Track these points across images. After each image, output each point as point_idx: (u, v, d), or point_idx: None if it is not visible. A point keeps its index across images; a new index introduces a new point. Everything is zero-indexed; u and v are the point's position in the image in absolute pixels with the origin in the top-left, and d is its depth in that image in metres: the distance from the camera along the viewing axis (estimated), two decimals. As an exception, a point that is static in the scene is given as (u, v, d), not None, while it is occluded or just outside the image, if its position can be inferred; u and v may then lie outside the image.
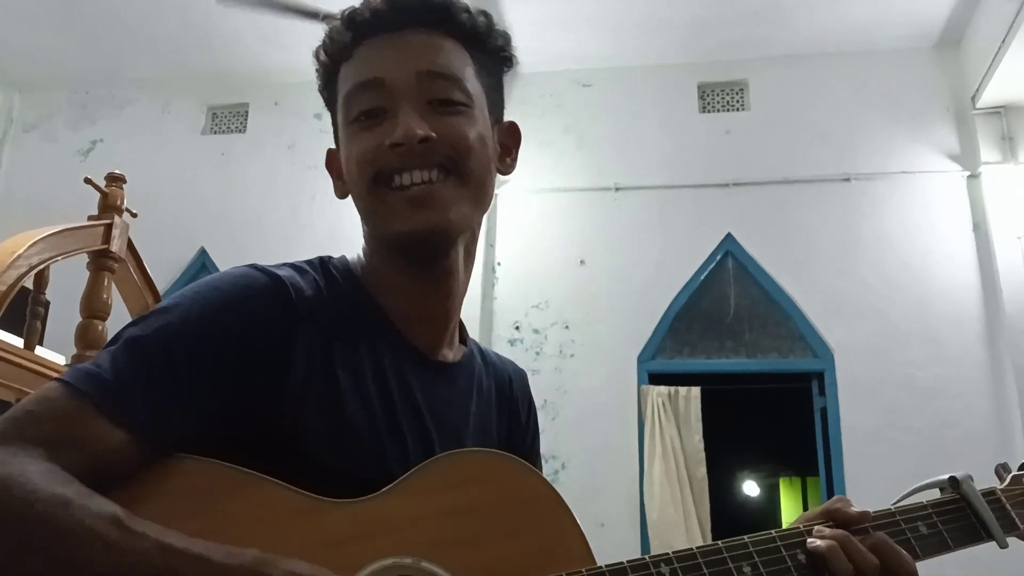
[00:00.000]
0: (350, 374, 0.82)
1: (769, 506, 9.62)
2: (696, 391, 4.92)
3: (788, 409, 5.92)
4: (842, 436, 4.77)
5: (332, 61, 0.91)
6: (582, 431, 4.86)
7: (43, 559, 0.62)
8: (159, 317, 0.77)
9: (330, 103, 0.93)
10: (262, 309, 0.79)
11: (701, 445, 4.83)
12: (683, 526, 4.59)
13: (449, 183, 0.85)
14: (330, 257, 0.91)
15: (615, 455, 4.84)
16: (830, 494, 4.80)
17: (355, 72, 0.88)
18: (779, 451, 8.46)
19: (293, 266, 0.86)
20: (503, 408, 0.99)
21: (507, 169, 0.96)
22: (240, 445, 0.75)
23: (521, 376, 1.05)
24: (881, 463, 4.47)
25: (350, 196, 0.92)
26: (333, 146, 0.95)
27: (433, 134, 0.83)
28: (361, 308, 0.87)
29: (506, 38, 0.94)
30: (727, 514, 7.94)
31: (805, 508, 8.95)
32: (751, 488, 9.69)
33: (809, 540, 0.81)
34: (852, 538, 0.81)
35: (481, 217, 0.91)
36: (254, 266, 0.83)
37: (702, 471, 4.80)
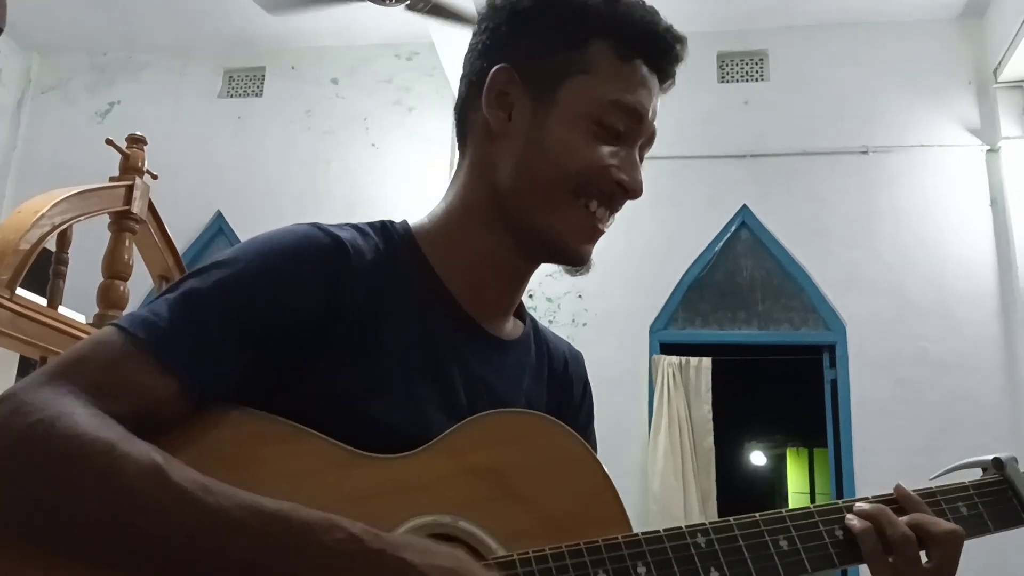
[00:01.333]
0: (400, 337, 0.82)
1: (775, 476, 9.68)
2: (707, 362, 4.94)
3: (798, 381, 5.94)
4: (852, 408, 4.79)
5: (612, 33, 0.87)
6: (594, 400, 4.87)
7: (81, 501, 0.62)
8: (219, 270, 0.77)
9: (557, 46, 0.87)
10: (321, 271, 0.79)
11: (710, 415, 4.86)
12: (683, 495, 4.63)
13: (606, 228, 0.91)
14: (392, 222, 0.91)
15: (626, 424, 4.87)
16: (838, 465, 4.83)
17: (633, 89, 0.87)
18: (787, 422, 8.49)
19: (355, 227, 0.86)
20: (554, 388, 0.99)
21: None
22: (289, 397, 0.76)
23: (577, 357, 1.05)
24: (891, 436, 4.49)
25: (486, 138, 0.88)
26: (497, 67, 0.87)
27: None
28: (421, 277, 0.87)
29: None
30: (733, 484, 7.99)
31: (811, 479, 9.01)
32: (758, 458, 9.75)
33: (848, 516, 0.81)
34: (888, 511, 0.80)
35: None
36: (316, 225, 0.83)
37: (709, 441, 4.83)
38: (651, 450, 4.76)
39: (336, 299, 0.79)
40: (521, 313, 0.98)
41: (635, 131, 0.88)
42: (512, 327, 0.95)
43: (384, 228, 0.89)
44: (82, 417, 0.65)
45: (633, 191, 0.88)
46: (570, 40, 0.87)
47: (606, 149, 0.86)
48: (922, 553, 0.79)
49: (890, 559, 0.78)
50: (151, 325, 0.72)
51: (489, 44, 0.91)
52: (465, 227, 0.89)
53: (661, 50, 0.90)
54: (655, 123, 0.91)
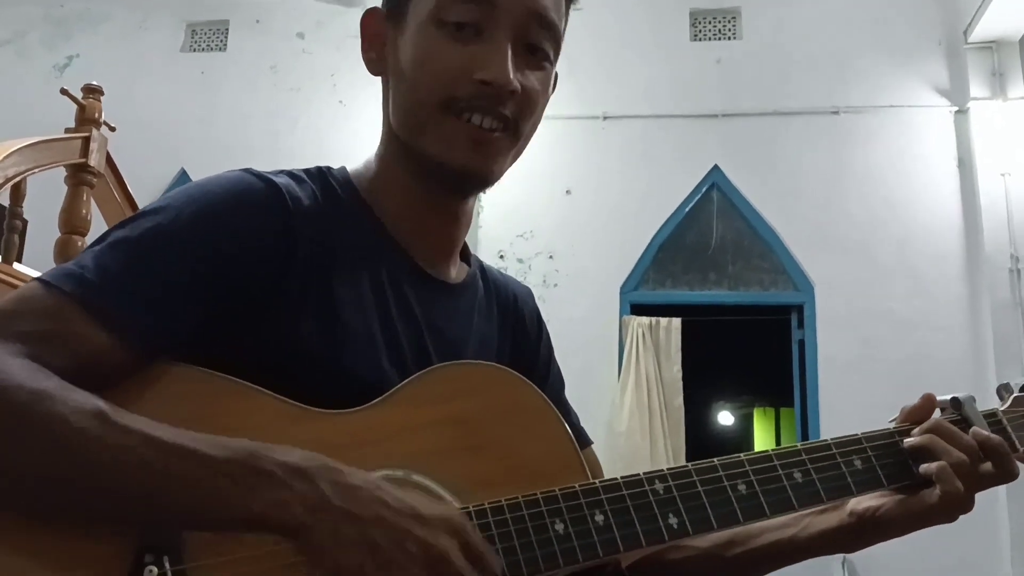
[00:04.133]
0: (346, 285, 0.80)
1: (743, 435, 9.83)
2: (677, 322, 4.97)
3: (766, 341, 6.00)
4: (819, 367, 4.85)
5: None
6: (564, 360, 4.73)
7: (23, 453, 0.60)
8: (148, 219, 0.73)
9: None
10: (256, 216, 0.76)
11: (679, 375, 4.91)
12: (649, 453, 4.68)
13: (506, 137, 0.82)
14: (330, 168, 0.88)
15: (596, 384, 4.90)
16: (804, 424, 4.90)
17: None
18: (755, 382, 8.60)
19: (290, 174, 0.82)
20: (506, 326, 0.97)
21: None
22: (235, 352, 0.73)
23: (526, 293, 1.03)
24: (856, 393, 4.55)
25: (383, 80, 0.86)
26: (365, 11, 0.86)
27: (520, 88, 0.80)
28: (360, 221, 0.84)
29: None
30: (701, 443, 8.10)
31: (778, 438, 9.16)
32: (726, 418, 9.89)
33: (907, 440, 0.83)
34: (945, 424, 0.83)
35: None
36: (249, 171, 0.79)
37: (679, 400, 4.88)
38: (617, 409, 4.80)
39: (277, 245, 0.76)
40: (466, 255, 0.96)
41: (490, 18, 0.79)
42: (458, 270, 0.93)
43: (321, 174, 0.85)
44: (16, 368, 0.62)
45: (498, 84, 0.78)
46: None
47: (461, 49, 0.79)
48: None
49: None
50: (77, 277, 0.69)
51: None
52: (389, 172, 0.87)
53: None
54: (534, 7, 0.80)
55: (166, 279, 0.71)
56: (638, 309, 5.10)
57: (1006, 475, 0.81)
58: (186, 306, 0.72)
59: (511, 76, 0.78)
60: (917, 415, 0.86)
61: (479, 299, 0.94)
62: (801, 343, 5.01)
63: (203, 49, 6.00)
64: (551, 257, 5.20)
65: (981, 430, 0.83)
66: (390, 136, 0.86)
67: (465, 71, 0.78)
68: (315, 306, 0.77)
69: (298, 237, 0.77)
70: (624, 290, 5.12)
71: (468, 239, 0.95)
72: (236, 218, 0.75)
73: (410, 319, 0.84)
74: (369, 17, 0.87)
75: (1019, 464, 0.86)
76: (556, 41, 0.84)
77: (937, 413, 0.88)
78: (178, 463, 0.61)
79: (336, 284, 0.79)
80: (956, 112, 5.03)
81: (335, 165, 0.90)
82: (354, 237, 0.83)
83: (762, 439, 9.42)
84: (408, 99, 0.82)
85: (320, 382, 0.75)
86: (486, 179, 0.83)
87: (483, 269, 0.98)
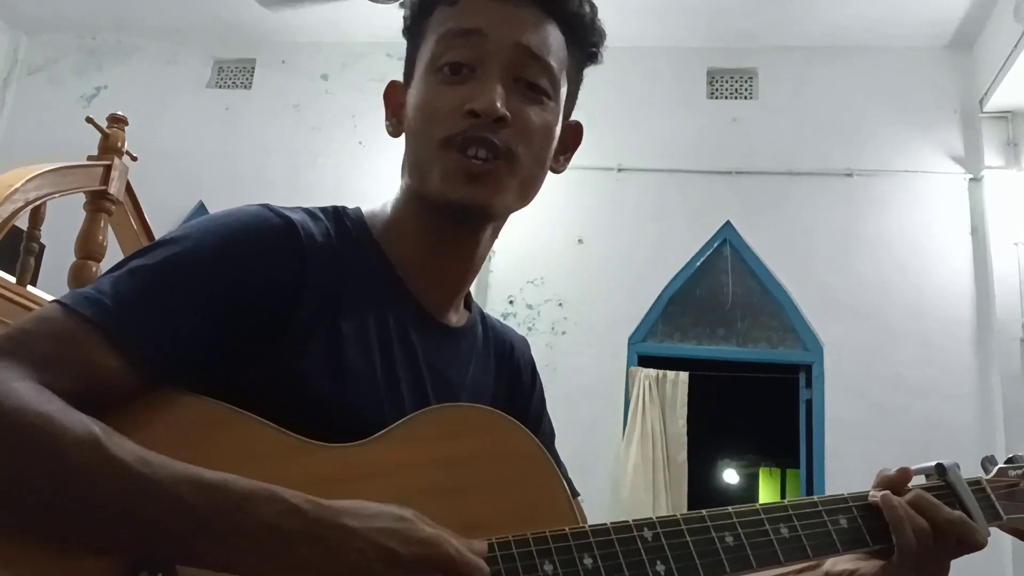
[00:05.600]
0: (353, 323, 0.81)
1: (748, 495, 9.69)
2: (684, 376, 4.95)
3: (773, 400, 5.95)
4: (825, 429, 4.80)
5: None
6: (569, 409, 4.84)
7: (21, 476, 0.61)
8: (166, 248, 0.75)
9: (414, 38, 0.90)
10: (271, 250, 0.78)
11: (684, 430, 4.86)
12: (653, 508, 4.62)
13: (502, 166, 0.83)
14: (345, 208, 0.90)
15: (600, 434, 4.86)
16: (809, 486, 4.84)
17: (456, 17, 0.85)
18: (761, 441, 8.52)
19: (306, 211, 0.84)
20: (502, 374, 0.99)
21: (559, 168, 0.93)
22: (239, 383, 0.74)
23: (522, 343, 1.05)
24: (863, 458, 4.49)
25: (402, 137, 0.90)
26: (385, 86, 0.93)
27: (509, 115, 0.82)
28: (371, 261, 0.86)
29: (602, 36, 0.93)
30: (704, 501, 8.00)
31: (783, 499, 9.04)
32: (731, 476, 9.77)
33: (871, 495, 0.85)
34: (928, 497, 0.85)
35: (521, 208, 0.89)
36: (267, 206, 0.81)
37: (683, 456, 4.82)
38: (622, 461, 4.75)
39: (289, 279, 0.78)
40: (468, 302, 0.98)
41: (480, 58, 0.83)
42: (460, 316, 0.95)
43: (336, 213, 0.88)
44: (22, 390, 0.63)
45: (483, 112, 0.81)
46: (417, 20, 0.89)
47: (455, 89, 0.83)
48: None
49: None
50: (95, 302, 0.70)
51: None
52: (402, 216, 0.89)
53: None
54: (522, 40, 0.84)
55: (181, 309, 0.73)
56: (645, 361, 5.08)
57: (973, 546, 0.84)
58: (198, 336, 0.73)
59: (497, 104, 0.81)
60: (888, 485, 0.87)
61: (478, 345, 0.96)
62: (808, 403, 4.97)
63: (229, 86, 6.12)
64: (560, 304, 5.21)
65: (948, 511, 0.85)
66: (406, 185, 0.89)
67: (457, 107, 0.82)
68: (321, 342, 0.79)
69: (310, 273, 0.79)
70: (632, 341, 5.11)
71: (478, 282, 0.97)
72: (252, 252, 0.77)
73: (411, 361, 0.85)
74: (391, 89, 0.93)
75: (990, 530, 0.87)
76: (552, 78, 0.86)
77: (922, 479, 0.89)
78: (164, 508, 0.62)
79: (343, 321, 0.80)
80: (970, 180, 5.05)
81: (352, 204, 0.93)
82: (364, 277, 0.84)
83: (767, 500, 9.28)
84: (415, 145, 0.86)
85: (319, 416, 0.76)
86: (487, 210, 0.85)
87: (483, 316, 1.00)
